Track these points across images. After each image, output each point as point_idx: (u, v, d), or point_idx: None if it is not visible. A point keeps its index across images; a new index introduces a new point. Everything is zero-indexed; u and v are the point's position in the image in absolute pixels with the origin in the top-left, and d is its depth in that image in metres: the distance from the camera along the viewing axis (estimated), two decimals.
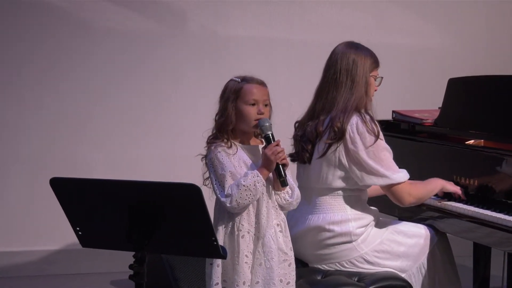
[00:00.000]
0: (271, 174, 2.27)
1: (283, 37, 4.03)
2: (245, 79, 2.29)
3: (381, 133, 2.44)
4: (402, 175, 2.46)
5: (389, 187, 2.46)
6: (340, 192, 2.49)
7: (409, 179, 2.50)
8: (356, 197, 2.52)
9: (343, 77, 2.46)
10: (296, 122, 2.61)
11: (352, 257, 2.48)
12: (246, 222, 2.25)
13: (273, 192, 2.30)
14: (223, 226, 2.26)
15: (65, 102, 3.87)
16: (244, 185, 2.19)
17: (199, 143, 2.37)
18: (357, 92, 2.46)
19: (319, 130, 2.46)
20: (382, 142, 2.44)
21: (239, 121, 2.28)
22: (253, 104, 2.26)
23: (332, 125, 2.42)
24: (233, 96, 2.27)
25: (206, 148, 2.30)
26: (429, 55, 4.20)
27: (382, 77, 2.55)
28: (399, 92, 4.03)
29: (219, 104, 2.31)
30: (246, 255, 2.23)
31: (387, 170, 2.42)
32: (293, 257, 2.32)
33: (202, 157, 2.31)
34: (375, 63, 2.52)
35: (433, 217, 2.65)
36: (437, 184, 2.61)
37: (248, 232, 2.25)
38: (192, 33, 3.96)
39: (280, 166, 2.23)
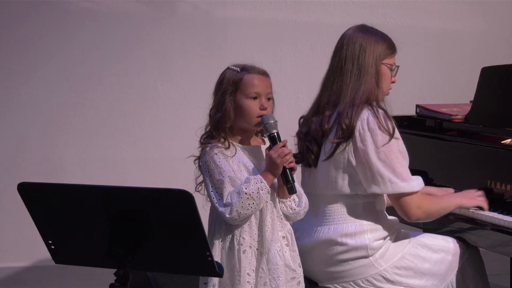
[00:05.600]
0: (275, 180, 2.27)
1: (289, 18, 4.03)
2: (245, 68, 2.29)
3: (396, 132, 2.43)
4: (414, 184, 2.44)
5: (397, 196, 2.44)
6: (352, 199, 2.49)
7: (434, 184, 2.50)
8: (372, 205, 2.52)
9: (348, 65, 2.46)
10: (301, 118, 2.61)
11: (369, 275, 2.48)
12: (247, 235, 2.25)
13: (277, 199, 2.31)
14: (220, 240, 2.27)
15: (37, 96, 3.88)
16: (246, 193, 2.19)
17: (192, 143, 2.37)
18: (366, 83, 2.45)
19: (324, 127, 2.46)
20: (397, 143, 2.43)
21: (238, 118, 2.28)
22: (255, 98, 2.27)
23: (339, 121, 2.42)
24: (232, 88, 2.27)
25: (199, 149, 2.31)
26: (459, 40, 4.20)
27: (398, 66, 2.54)
28: (424, 83, 4.03)
29: (215, 97, 2.31)
30: (248, 273, 2.23)
31: (397, 176, 2.41)
32: (302, 274, 2.33)
33: (195, 159, 2.32)
34: (389, 49, 2.51)
35: (463, 229, 2.65)
36: (451, 202, 2.58)
37: (250, 247, 2.25)
38: (183, 15, 3.96)
39: (287, 170, 2.24)
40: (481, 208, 2.61)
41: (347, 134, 2.41)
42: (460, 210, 2.64)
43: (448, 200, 2.59)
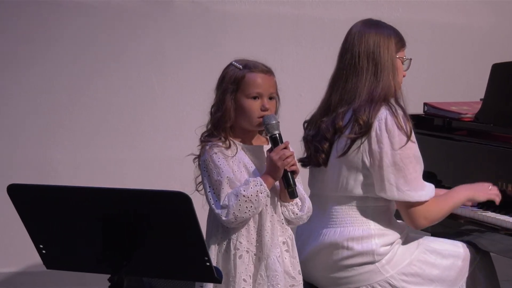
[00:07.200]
0: (277, 183, 2.26)
1: (292, 13, 4.02)
2: (248, 66, 2.29)
3: (413, 134, 2.42)
4: (423, 193, 2.43)
5: (404, 204, 2.45)
6: (363, 201, 2.48)
7: (443, 186, 2.49)
8: (382, 208, 2.51)
9: (363, 62, 2.46)
10: (305, 122, 2.61)
11: (375, 281, 2.48)
12: (245, 240, 2.25)
13: (279, 204, 2.30)
14: (216, 243, 2.26)
15: (28, 96, 3.87)
16: (244, 195, 2.18)
17: (191, 143, 2.37)
18: (384, 79, 2.45)
19: (338, 124, 2.45)
20: (413, 147, 2.42)
21: (239, 117, 2.28)
22: (256, 98, 2.26)
23: (356, 118, 2.41)
24: (233, 86, 2.27)
25: (199, 147, 2.30)
26: (468, 36, 4.18)
27: (410, 59, 2.54)
28: (431, 80, 4.02)
29: (216, 94, 2.31)
30: (244, 279, 2.23)
31: (407, 183, 2.40)
32: (301, 282, 2.32)
33: (195, 158, 2.31)
34: (401, 42, 2.51)
35: (473, 233, 2.64)
36: (460, 197, 2.56)
37: (247, 252, 2.25)
38: (180, 10, 3.95)
39: (289, 173, 2.23)
40: (493, 202, 2.60)
41: (364, 129, 2.40)
42: (470, 213, 2.63)
43: (456, 196, 2.56)
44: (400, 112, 2.42)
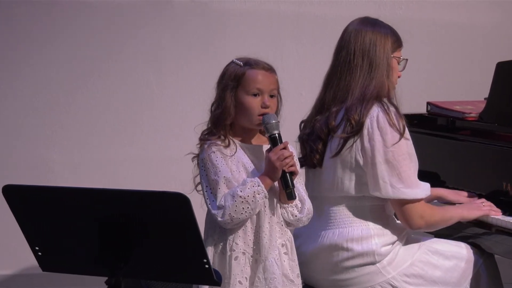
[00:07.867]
0: (276, 183, 2.26)
1: (292, 11, 4.03)
2: (249, 63, 2.29)
3: (407, 131, 2.43)
4: (418, 191, 2.43)
5: (399, 203, 2.44)
6: (359, 201, 2.48)
7: (446, 187, 2.49)
8: (381, 207, 2.51)
9: (358, 59, 2.46)
10: (302, 122, 2.61)
11: (376, 283, 2.48)
12: (241, 241, 2.24)
13: (278, 205, 2.29)
14: (213, 243, 2.26)
15: (23, 94, 3.87)
16: (241, 196, 2.18)
17: (189, 142, 2.37)
18: (377, 77, 2.45)
19: (331, 124, 2.46)
20: (406, 144, 2.42)
21: (239, 115, 2.28)
22: (257, 95, 2.26)
23: (348, 117, 2.42)
24: (233, 83, 2.27)
25: (198, 146, 2.30)
26: (472, 33, 4.18)
27: (406, 59, 2.55)
28: (434, 79, 4.02)
29: (216, 91, 2.31)
30: (239, 281, 2.22)
31: (401, 181, 2.40)
32: (300, 285, 2.31)
33: (193, 157, 2.31)
34: (397, 42, 2.52)
35: (477, 234, 2.64)
36: (455, 214, 2.56)
37: (244, 253, 2.24)
38: (178, 8, 3.95)
39: (287, 174, 2.22)
40: (497, 203, 2.60)
41: (356, 129, 2.41)
42: None
43: (451, 211, 2.57)
44: (392, 109, 2.42)
